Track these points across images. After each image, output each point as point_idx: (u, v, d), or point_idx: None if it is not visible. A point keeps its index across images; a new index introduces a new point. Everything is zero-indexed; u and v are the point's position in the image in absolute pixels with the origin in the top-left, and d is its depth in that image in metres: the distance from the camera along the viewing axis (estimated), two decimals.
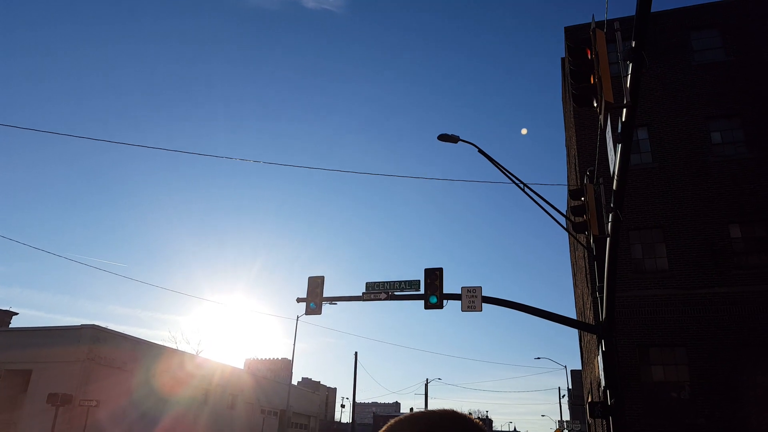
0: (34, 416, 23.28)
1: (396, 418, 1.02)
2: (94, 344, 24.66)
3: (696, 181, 16.97)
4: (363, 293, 16.77)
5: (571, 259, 33.94)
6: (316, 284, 17.21)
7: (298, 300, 17.57)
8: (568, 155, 28.69)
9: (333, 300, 17.63)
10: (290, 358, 39.54)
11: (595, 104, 7.28)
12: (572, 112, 20.37)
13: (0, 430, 24.14)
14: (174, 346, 31.76)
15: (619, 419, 11.58)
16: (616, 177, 8.83)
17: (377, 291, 16.67)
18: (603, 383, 12.33)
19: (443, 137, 14.83)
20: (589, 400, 23.70)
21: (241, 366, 58.97)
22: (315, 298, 17.07)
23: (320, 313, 17.31)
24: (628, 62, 7.07)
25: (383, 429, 1.00)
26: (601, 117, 7.42)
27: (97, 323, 25.68)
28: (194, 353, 32.14)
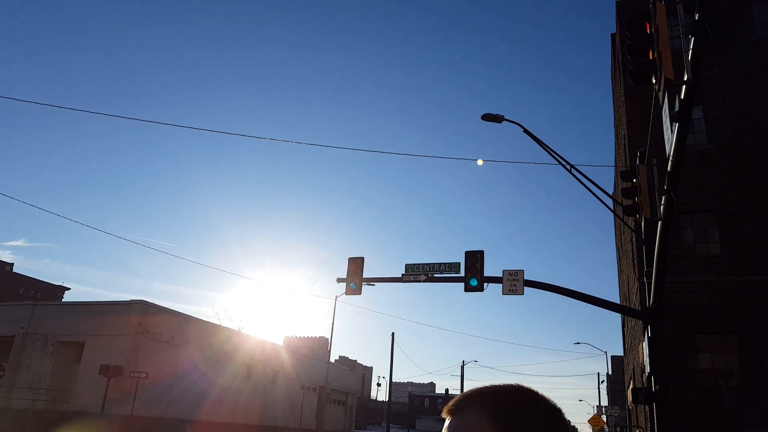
0: (87, 386, 24.47)
1: (466, 391, 1.01)
2: (143, 318, 25.64)
3: (754, 163, 16.10)
4: (403, 275, 16.77)
5: (616, 243, 33.03)
6: (356, 265, 17.32)
7: (338, 280, 17.76)
8: (616, 136, 27.73)
9: (373, 281, 17.75)
10: (328, 337, 40.34)
11: (654, 81, 6.97)
12: (623, 91, 19.59)
13: (56, 398, 25.55)
14: (217, 322, 32.80)
15: (663, 406, 11.29)
16: (671, 158, 8.48)
17: (417, 273, 16.67)
18: (647, 369, 12.06)
19: (487, 117, 14.52)
20: (632, 386, 23.26)
21: (280, 343, 60.55)
22: (355, 279, 17.20)
23: (360, 294, 17.47)
24: (690, 36, 6.72)
25: (454, 400, 0.99)
26: (660, 94, 7.11)
27: (144, 299, 26.66)
28: (237, 329, 33.06)
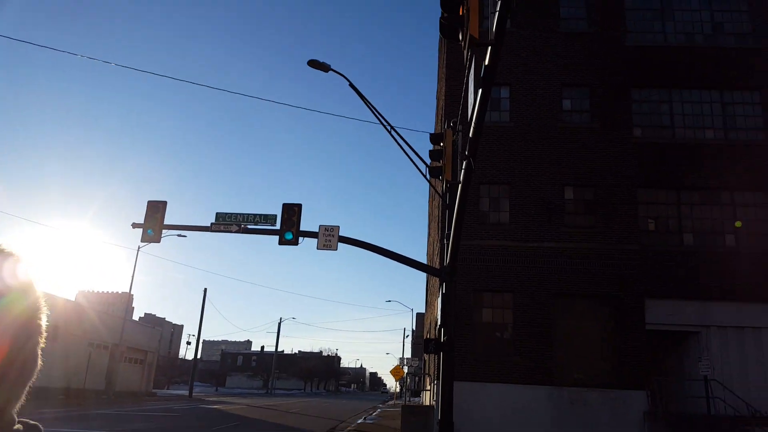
0: None
1: None
2: None
3: (544, 144, 18.31)
4: (212, 224, 15.64)
5: (429, 208, 35.57)
6: (156, 209, 15.59)
7: (134, 225, 15.88)
8: (437, 107, 29.41)
9: (176, 228, 16.19)
10: (132, 292, 36.72)
11: (461, 38, 7.11)
12: (445, 63, 20.59)
13: None
14: None
15: (449, 354, 12.31)
16: (473, 123, 8.87)
17: (229, 223, 15.69)
18: (440, 322, 13.04)
19: (314, 63, 13.91)
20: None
21: (72, 298, 53.52)
22: (154, 225, 15.51)
23: (159, 241, 15.97)
24: (497, 0, 6.94)
25: None
26: (465, 52, 7.29)
27: None
28: None
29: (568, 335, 16.76)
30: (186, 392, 45.62)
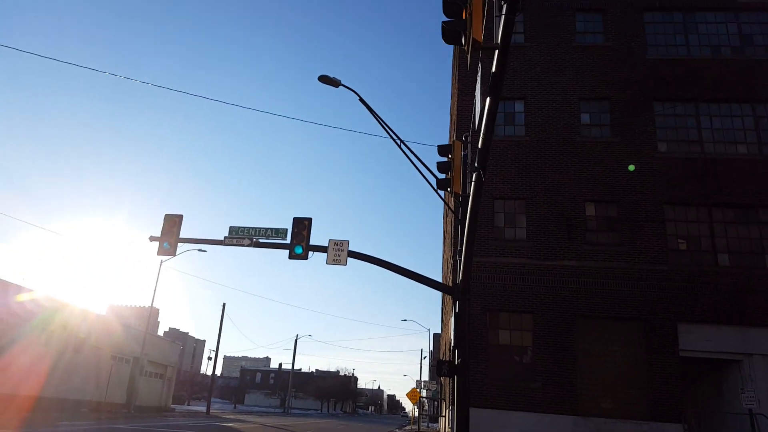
0: None
1: None
2: None
3: (562, 158, 17.73)
4: (225, 238, 15.93)
5: (443, 224, 35.05)
6: (173, 223, 15.98)
7: (151, 239, 16.30)
8: (450, 122, 29.12)
9: (192, 242, 16.34)
10: (157, 306, 37.06)
11: (463, 42, 6.83)
12: (457, 77, 20.34)
13: None
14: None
15: (464, 378, 11.77)
16: (482, 133, 8.54)
17: (241, 237, 15.92)
18: (453, 343, 12.54)
19: (324, 79, 13.86)
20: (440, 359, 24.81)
21: (104, 311, 54.55)
22: (170, 238, 15.86)
23: (174, 254, 16.26)
24: (503, 2, 6.66)
25: None
26: (469, 57, 7.01)
27: None
28: (31, 289, 28.57)
29: (593, 360, 15.73)
30: (205, 408, 45.56)
